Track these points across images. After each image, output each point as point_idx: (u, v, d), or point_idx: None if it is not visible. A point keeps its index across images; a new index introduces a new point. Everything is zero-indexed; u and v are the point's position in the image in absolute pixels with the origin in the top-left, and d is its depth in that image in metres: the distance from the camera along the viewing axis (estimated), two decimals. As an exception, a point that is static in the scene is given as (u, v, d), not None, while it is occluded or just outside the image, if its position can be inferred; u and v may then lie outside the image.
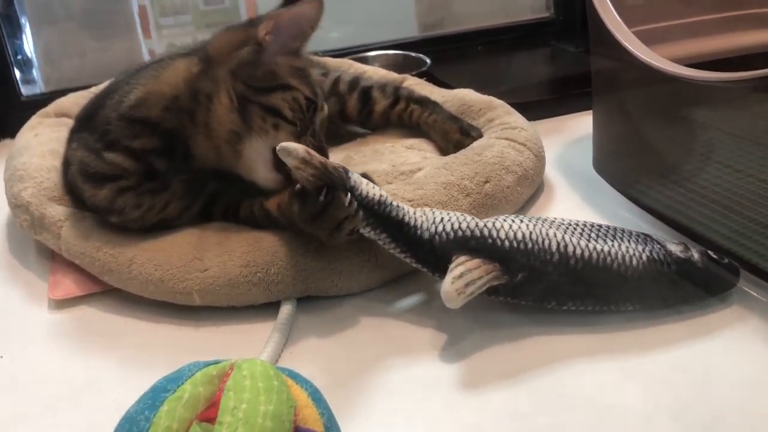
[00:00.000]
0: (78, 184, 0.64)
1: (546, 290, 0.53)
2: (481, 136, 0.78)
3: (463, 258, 0.52)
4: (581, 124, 0.89)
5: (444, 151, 0.79)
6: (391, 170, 0.72)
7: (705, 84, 0.58)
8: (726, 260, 0.56)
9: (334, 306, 0.60)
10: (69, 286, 0.64)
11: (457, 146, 0.77)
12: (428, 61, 1.10)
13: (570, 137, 0.90)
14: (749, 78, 0.53)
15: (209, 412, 0.35)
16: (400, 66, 1.13)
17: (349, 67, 0.98)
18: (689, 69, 0.60)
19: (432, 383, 0.50)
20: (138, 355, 0.56)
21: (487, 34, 1.26)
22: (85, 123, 0.65)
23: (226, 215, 0.64)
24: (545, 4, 1.28)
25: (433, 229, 0.54)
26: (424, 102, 0.83)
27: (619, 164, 0.75)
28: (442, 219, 0.54)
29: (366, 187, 0.55)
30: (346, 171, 0.55)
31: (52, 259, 0.68)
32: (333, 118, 0.84)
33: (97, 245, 0.62)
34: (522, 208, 0.73)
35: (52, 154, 0.73)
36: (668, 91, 0.64)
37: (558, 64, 1.16)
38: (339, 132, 0.88)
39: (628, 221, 0.69)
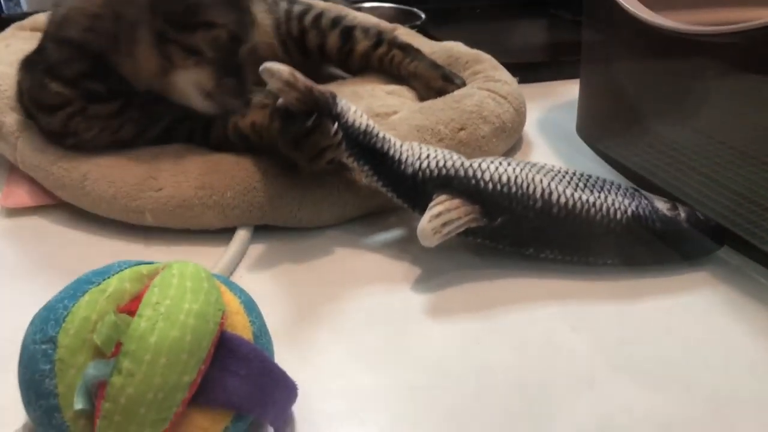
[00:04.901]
0: (33, 112, 0.63)
1: (525, 236, 0.52)
2: (464, 84, 0.76)
3: (443, 197, 0.51)
4: (569, 91, 0.87)
5: (426, 100, 0.77)
6: (367, 111, 0.70)
7: (707, 41, 0.56)
8: (713, 222, 0.54)
9: (293, 238, 0.58)
10: (22, 196, 0.62)
11: (440, 93, 0.74)
12: (422, 15, 1.08)
13: (556, 102, 0.89)
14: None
15: (131, 305, 0.34)
16: (394, 19, 1.10)
17: (340, 11, 0.95)
18: (692, 26, 0.58)
19: (385, 313, 0.49)
20: (83, 268, 0.54)
21: (487, -5, 1.24)
22: (35, 50, 0.63)
23: (191, 139, 0.61)
24: (547, -29, 1.26)
25: (417, 165, 0.52)
26: (407, 48, 0.80)
27: (602, 129, 0.73)
28: (428, 156, 0.53)
29: (353, 116, 0.53)
30: (334, 97, 0.53)
31: (10, 168, 0.66)
32: (313, 54, 0.82)
33: (51, 159, 0.60)
34: (497, 161, 0.71)
35: (20, 65, 0.71)
36: (659, 54, 0.63)
37: (553, 31, 1.14)
38: (320, 73, 0.86)
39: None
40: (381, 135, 0.53)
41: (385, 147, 0.53)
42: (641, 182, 0.65)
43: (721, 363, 0.45)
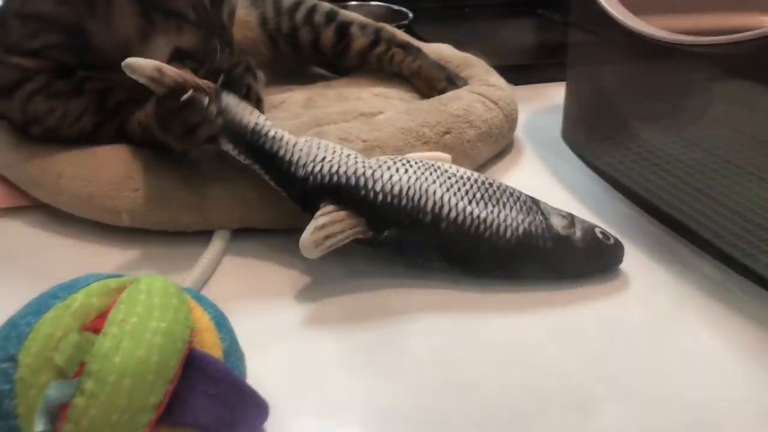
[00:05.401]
0: None
1: (413, 248, 0.51)
2: (467, 86, 0.75)
3: (329, 208, 0.49)
4: (557, 94, 0.87)
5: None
6: (352, 110, 0.69)
7: (696, 52, 0.56)
8: (612, 240, 0.53)
9: (272, 242, 0.57)
10: (-5, 196, 0.61)
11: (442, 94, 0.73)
12: (410, 15, 1.06)
13: (543, 105, 0.88)
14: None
15: (96, 323, 0.32)
16: (381, 18, 1.09)
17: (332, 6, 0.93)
18: (681, 35, 0.57)
19: (362, 326, 0.48)
20: (57, 272, 0.52)
21: (476, -5, 1.23)
22: None
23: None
24: (536, -29, 1.25)
25: (309, 168, 0.51)
26: (408, 47, 0.78)
27: (586, 135, 0.73)
28: (323, 158, 0.51)
29: (240, 112, 0.52)
30: (218, 93, 0.52)
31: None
32: (305, 51, 0.79)
33: (25, 156, 0.58)
34: (483, 166, 0.70)
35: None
36: (645, 61, 0.62)
37: (540, 33, 1.14)
38: (306, 72, 0.85)
39: (589, 191, 0.67)
40: (271, 134, 0.52)
41: (275, 147, 0.51)
42: (626, 192, 0.64)
43: (699, 373, 0.45)
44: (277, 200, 0.55)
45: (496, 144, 0.71)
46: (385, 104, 0.73)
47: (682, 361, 0.46)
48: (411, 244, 0.51)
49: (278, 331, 0.48)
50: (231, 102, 0.52)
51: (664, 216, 0.60)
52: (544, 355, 0.46)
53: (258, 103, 0.56)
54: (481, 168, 0.70)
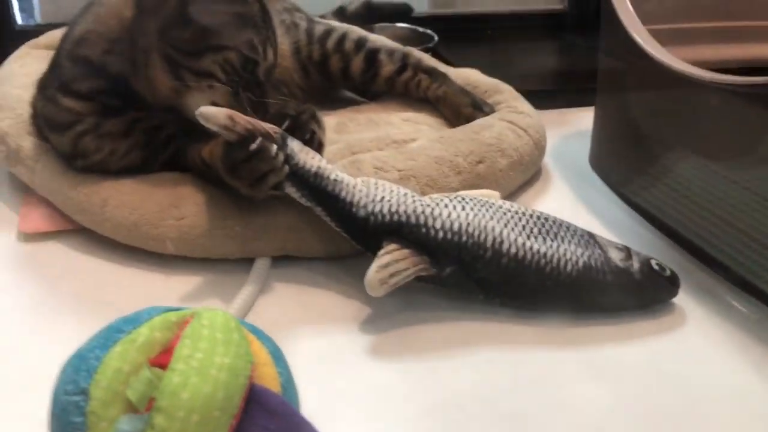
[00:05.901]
0: (45, 134, 0.64)
1: (474, 284, 0.52)
2: (493, 111, 0.76)
3: (392, 246, 0.50)
4: (583, 119, 0.88)
5: (453, 126, 0.76)
6: (384, 137, 0.70)
7: (721, 88, 0.56)
8: (668, 272, 0.54)
9: (312, 269, 0.58)
10: (40, 220, 0.62)
11: (469, 121, 0.74)
12: (436, 37, 1.08)
13: (570, 130, 0.89)
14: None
15: (162, 358, 0.34)
16: (407, 40, 1.10)
17: (360, 32, 0.95)
18: (707, 72, 0.58)
19: (413, 354, 0.50)
20: (103, 296, 0.54)
21: (499, 19, 1.24)
22: (48, 69, 0.64)
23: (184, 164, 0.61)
24: (560, -3, 1.26)
25: (370, 208, 0.52)
26: (434, 73, 0.80)
27: (615, 163, 0.73)
28: (382, 198, 0.52)
29: (304, 157, 0.53)
30: (284, 138, 0.53)
31: (26, 191, 0.66)
32: (335, 78, 0.81)
33: (71, 183, 0.60)
34: (514, 193, 0.71)
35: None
36: (676, 93, 0.63)
37: (566, 57, 1.15)
38: (335, 96, 0.86)
39: (618, 219, 0.67)
40: (333, 177, 0.53)
41: (337, 189, 0.52)
42: (652, 220, 0.65)
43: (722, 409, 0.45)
44: (318, 229, 0.57)
45: (527, 172, 0.72)
46: (414, 130, 0.74)
47: (717, 400, 0.47)
48: (473, 280, 0.52)
49: (330, 360, 0.49)
50: (295, 147, 0.53)
51: (694, 248, 0.60)
52: (587, 393, 0.47)
53: (319, 148, 0.58)
54: (510, 196, 0.71)
